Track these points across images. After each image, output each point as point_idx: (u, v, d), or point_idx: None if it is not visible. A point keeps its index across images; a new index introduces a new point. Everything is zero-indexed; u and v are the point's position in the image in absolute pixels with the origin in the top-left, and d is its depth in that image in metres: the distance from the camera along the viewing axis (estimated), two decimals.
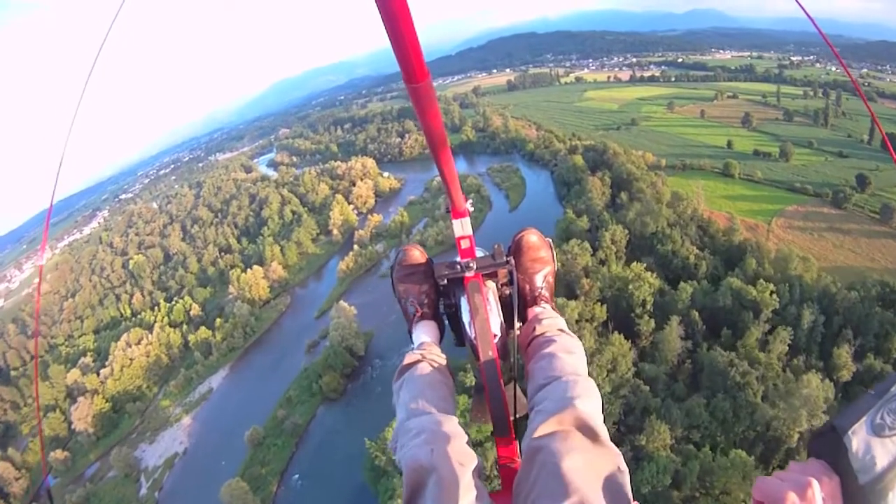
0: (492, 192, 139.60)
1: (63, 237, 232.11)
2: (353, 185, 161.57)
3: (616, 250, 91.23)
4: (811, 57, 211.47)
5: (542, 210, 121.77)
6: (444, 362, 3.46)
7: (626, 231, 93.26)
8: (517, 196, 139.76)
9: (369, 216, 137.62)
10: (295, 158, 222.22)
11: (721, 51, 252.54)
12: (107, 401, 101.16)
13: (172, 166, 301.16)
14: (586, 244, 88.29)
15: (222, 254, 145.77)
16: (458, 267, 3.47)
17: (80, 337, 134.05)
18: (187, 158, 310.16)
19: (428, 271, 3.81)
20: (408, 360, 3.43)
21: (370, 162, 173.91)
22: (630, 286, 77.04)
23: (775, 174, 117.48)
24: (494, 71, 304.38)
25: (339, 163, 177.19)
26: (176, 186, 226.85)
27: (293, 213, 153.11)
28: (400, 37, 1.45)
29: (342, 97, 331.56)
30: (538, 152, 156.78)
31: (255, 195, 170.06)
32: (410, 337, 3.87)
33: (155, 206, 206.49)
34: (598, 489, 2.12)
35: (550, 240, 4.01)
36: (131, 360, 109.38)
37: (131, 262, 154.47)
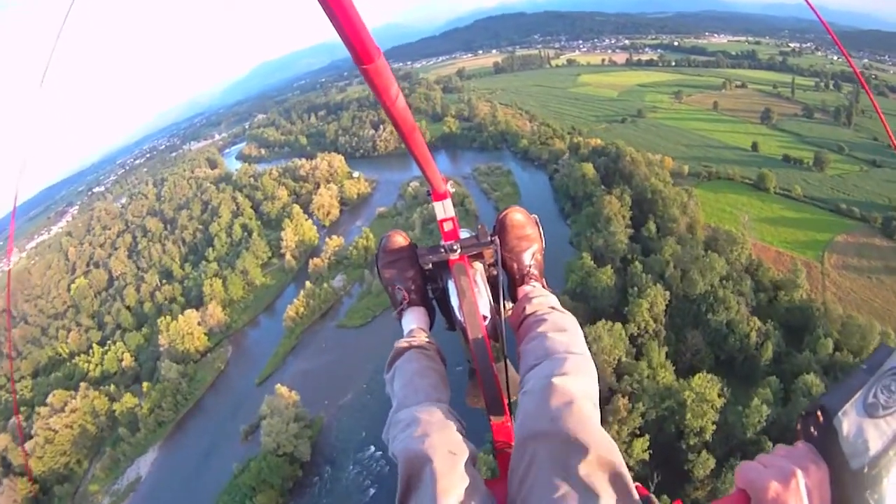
0: (479, 202, 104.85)
1: (34, 236, 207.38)
2: (318, 187, 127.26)
3: (655, 329, 59.19)
4: (809, 44, 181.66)
5: (543, 231, 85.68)
6: (434, 349, 3.13)
7: (667, 291, 61.40)
8: None
9: (328, 239, 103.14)
10: (263, 151, 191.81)
11: (716, 35, 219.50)
12: (34, 481, 79.61)
13: (148, 155, 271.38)
14: (619, 328, 55.09)
15: (163, 282, 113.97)
16: (442, 250, 3.05)
17: (19, 380, 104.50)
18: (164, 146, 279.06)
19: (412, 256, 3.34)
20: (397, 348, 3.09)
21: (338, 160, 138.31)
22: (687, 410, 44.31)
23: (813, 188, 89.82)
24: (480, 52, 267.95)
25: (303, 161, 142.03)
26: (142, 183, 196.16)
27: (244, 227, 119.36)
28: (339, 19, 1.21)
29: (323, 80, 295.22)
30: (533, 150, 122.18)
31: (208, 202, 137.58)
32: (400, 324, 3.39)
33: (118, 205, 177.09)
34: (593, 480, 1.90)
35: (537, 217, 3.50)
36: (55, 431, 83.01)
37: (73, 285, 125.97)
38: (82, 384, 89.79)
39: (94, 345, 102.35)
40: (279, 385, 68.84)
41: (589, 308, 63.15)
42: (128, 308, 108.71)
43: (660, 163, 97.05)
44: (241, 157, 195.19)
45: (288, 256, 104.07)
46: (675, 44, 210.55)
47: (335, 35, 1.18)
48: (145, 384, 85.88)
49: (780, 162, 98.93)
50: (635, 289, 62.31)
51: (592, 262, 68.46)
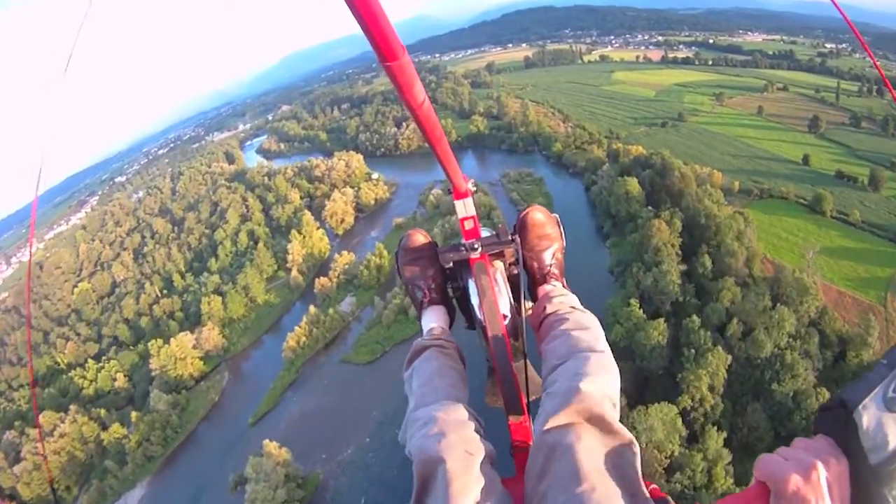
0: (508, 215, 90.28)
1: (53, 225, 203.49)
2: (334, 189, 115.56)
3: (713, 404, 47.82)
4: (845, 45, 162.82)
5: (577, 253, 71.31)
6: (453, 347, 3.01)
7: (729, 356, 48.98)
8: None
9: (337, 256, 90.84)
10: (282, 146, 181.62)
11: (750, 33, 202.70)
12: None
13: (172, 145, 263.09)
14: (674, 416, 43.48)
15: (164, 292, 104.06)
16: (463, 248, 2.92)
17: (17, 389, 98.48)
18: (188, 136, 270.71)
19: (433, 255, 3.23)
20: (416, 347, 2.98)
21: (356, 160, 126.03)
22: None
23: (870, 212, 76.16)
24: (510, 45, 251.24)
25: (319, 161, 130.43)
26: (159, 176, 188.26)
27: (250, 235, 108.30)
28: (363, 17, 1.18)
29: (350, 71, 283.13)
30: (568, 155, 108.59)
31: (218, 203, 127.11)
32: (420, 323, 3.31)
33: (134, 199, 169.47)
34: (609, 476, 1.90)
35: (557, 216, 3.33)
36: (44, 457, 77.90)
37: (76, 290, 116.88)
38: (72, 407, 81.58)
39: (89, 360, 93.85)
40: (267, 441, 57.53)
41: (634, 368, 51.62)
42: (126, 321, 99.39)
43: (709, 177, 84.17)
44: (261, 152, 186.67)
45: (294, 272, 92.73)
46: (710, 41, 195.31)
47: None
48: (134, 414, 76.49)
49: (832, 179, 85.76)
50: (692, 351, 50.30)
51: (641, 311, 56.07)
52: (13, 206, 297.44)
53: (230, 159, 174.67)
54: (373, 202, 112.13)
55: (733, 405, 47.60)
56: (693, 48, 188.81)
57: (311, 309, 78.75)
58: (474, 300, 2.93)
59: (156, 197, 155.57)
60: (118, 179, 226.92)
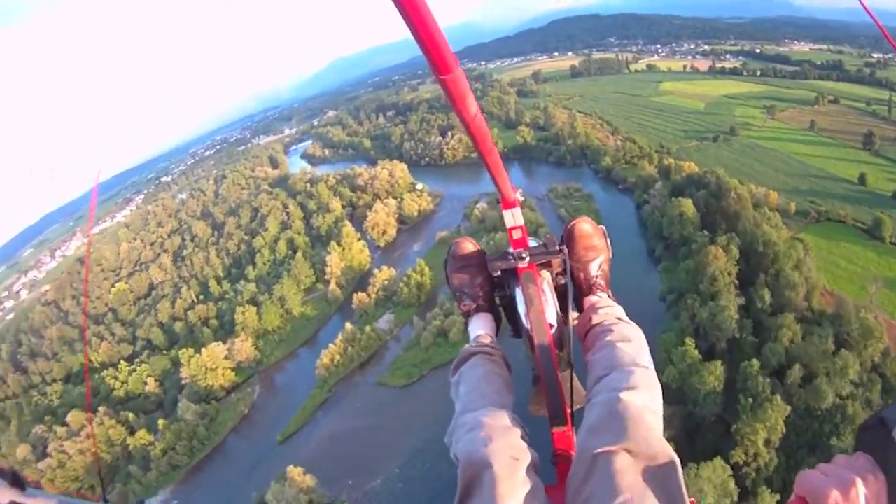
0: (556, 232, 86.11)
1: (99, 222, 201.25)
2: (376, 199, 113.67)
3: (767, 460, 44.99)
4: (892, 55, 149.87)
5: (627, 276, 67.71)
6: (500, 355, 3.09)
7: (788, 406, 46.13)
8: None
9: (376, 271, 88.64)
10: (327, 151, 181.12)
11: (797, 42, 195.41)
12: None
13: (218, 147, 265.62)
14: (727, 479, 40.53)
15: (200, 297, 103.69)
16: (511, 258, 2.99)
17: (50, 384, 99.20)
18: (234, 139, 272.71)
19: (481, 263, 3.32)
20: (464, 353, 3.09)
21: (400, 169, 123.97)
22: None
23: None
24: (556, 54, 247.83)
25: (363, 169, 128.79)
26: (203, 178, 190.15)
27: (290, 244, 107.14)
28: (419, 31, 1.23)
29: (398, 77, 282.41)
30: (618, 170, 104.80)
31: (258, 209, 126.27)
32: (466, 330, 3.44)
33: (177, 200, 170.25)
34: (651, 490, 1.94)
35: (604, 228, 3.42)
36: (69, 456, 75.61)
37: (113, 290, 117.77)
38: (101, 408, 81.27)
39: (122, 361, 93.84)
40: (291, 467, 55.25)
41: (685, 413, 48.16)
42: (161, 325, 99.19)
43: (765, 198, 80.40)
44: (305, 157, 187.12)
45: (332, 285, 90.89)
46: (757, 51, 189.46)
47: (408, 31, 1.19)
48: (161, 422, 76.26)
49: (889, 200, 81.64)
50: (749, 400, 46.50)
51: (696, 351, 52.28)
52: (62, 200, 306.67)
53: (274, 164, 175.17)
54: (416, 214, 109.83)
55: (787, 459, 44.22)
56: (740, 58, 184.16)
57: (348, 326, 76.71)
58: (521, 309, 2.96)
59: (198, 199, 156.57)
60: (164, 179, 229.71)
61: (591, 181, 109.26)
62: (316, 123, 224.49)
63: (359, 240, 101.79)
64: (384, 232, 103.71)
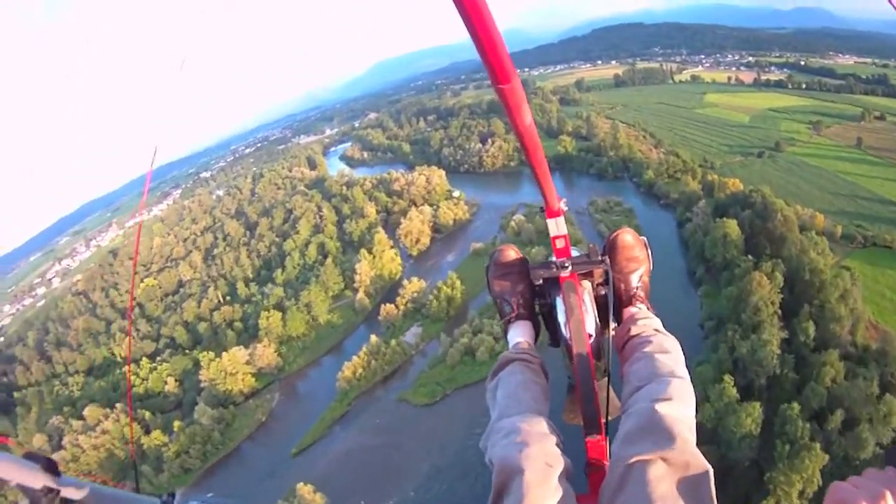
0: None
1: (135, 214, 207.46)
2: (412, 206, 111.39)
3: None
4: None
5: (666, 298, 62.46)
6: (538, 363, 3.11)
7: (826, 455, 43.00)
8: None
9: (405, 282, 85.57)
10: (366, 154, 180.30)
11: (840, 55, 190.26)
12: None
13: (258, 145, 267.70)
14: None
15: (226, 298, 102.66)
16: (554, 266, 3.05)
17: (73, 375, 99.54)
18: (275, 137, 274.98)
19: (523, 271, 3.37)
20: (503, 359, 3.09)
21: (437, 176, 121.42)
22: None
23: None
24: (599, 63, 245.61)
25: (399, 174, 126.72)
26: (241, 176, 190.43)
27: (320, 248, 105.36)
28: (482, 41, 1.28)
29: (440, 81, 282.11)
30: (660, 185, 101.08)
31: (292, 211, 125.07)
32: (506, 337, 3.41)
33: (214, 197, 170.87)
34: (684, 502, 1.98)
35: (646, 239, 3.48)
36: (83, 450, 75.30)
37: (142, 285, 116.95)
38: (118, 405, 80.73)
39: (144, 357, 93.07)
40: (301, 485, 53.05)
41: (718, 455, 44.77)
42: (185, 324, 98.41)
43: (811, 220, 76.64)
44: (344, 158, 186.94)
45: (360, 294, 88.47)
46: (802, 63, 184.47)
47: (456, 37, 1.24)
48: (177, 423, 74.93)
49: None
50: (786, 447, 43.23)
51: (734, 389, 48.73)
52: (100, 191, 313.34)
53: (312, 165, 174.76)
54: (451, 223, 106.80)
55: None
56: (785, 70, 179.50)
57: (373, 338, 74.30)
58: (561, 318, 3.01)
59: (234, 197, 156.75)
60: (203, 175, 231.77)
61: (632, 195, 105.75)
62: (357, 125, 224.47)
63: (391, 247, 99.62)
64: (417, 240, 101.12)
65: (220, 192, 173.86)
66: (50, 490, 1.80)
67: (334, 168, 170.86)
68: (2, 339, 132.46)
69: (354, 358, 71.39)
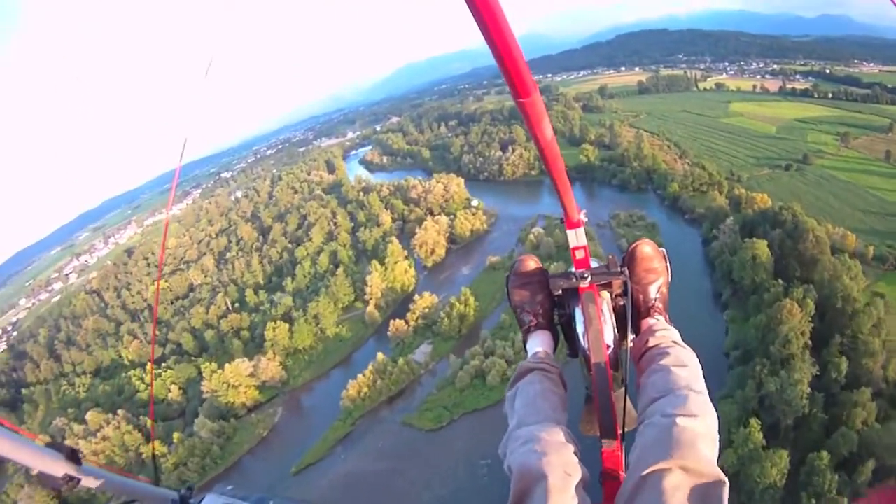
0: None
1: (154, 213, 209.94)
2: (429, 214, 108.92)
3: None
4: None
5: (689, 320, 56.30)
6: (557, 373, 3.12)
7: None
8: None
9: (417, 297, 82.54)
10: (385, 159, 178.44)
11: (865, 63, 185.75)
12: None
13: (280, 147, 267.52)
14: None
15: (235, 305, 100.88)
16: (573, 277, 3.10)
17: (80, 375, 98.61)
18: (297, 139, 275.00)
19: (543, 281, 3.38)
20: (522, 369, 3.10)
21: (456, 184, 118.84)
22: None
23: None
24: (623, 69, 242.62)
25: (417, 181, 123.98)
26: (260, 178, 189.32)
27: (332, 257, 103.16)
28: (502, 56, 1.32)
29: (464, 86, 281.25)
30: (685, 198, 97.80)
31: (306, 216, 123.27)
32: (525, 346, 3.42)
33: (232, 199, 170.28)
34: None
35: (664, 251, 3.48)
36: (83, 455, 66.09)
37: (151, 288, 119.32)
38: (120, 412, 78.97)
39: (149, 363, 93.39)
40: None
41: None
42: (193, 330, 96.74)
43: (842, 239, 73.37)
44: (364, 163, 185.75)
45: (370, 308, 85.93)
46: (827, 71, 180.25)
47: (481, 42, 1.22)
48: (176, 435, 72.77)
49: None
50: (812, 501, 40.76)
51: (761, 436, 45.43)
52: (123, 188, 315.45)
53: (330, 168, 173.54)
54: (468, 233, 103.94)
55: None
56: (810, 78, 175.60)
57: (380, 356, 71.54)
58: (579, 328, 3.01)
59: (251, 200, 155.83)
60: (224, 175, 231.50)
61: (655, 208, 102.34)
62: (378, 129, 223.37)
63: (405, 258, 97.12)
64: (432, 251, 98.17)
65: (239, 194, 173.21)
66: (71, 478, 1.93)
67: (353, 172, 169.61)
68: (15, 333, 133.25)
69: (360, 376, 68.69)
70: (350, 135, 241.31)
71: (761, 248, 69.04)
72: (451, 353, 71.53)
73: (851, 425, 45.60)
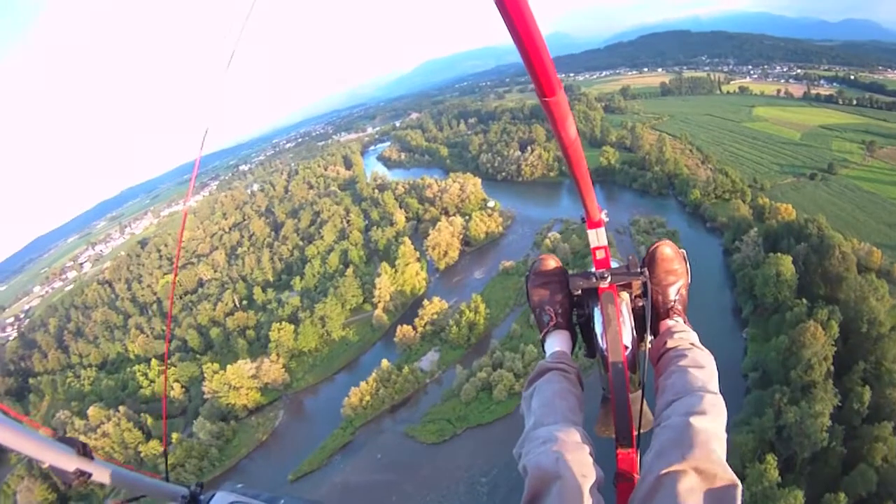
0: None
1: (171, 203, 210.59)
2: (445, 214, 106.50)
3: None
4: None
5: (707, 334, 47.02)
6: (575, 372, 3.11)
7: None
8: None
9: (426, 302, 78.98)
10: (403, 156, 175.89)
11: (890, 69, 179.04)
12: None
13: (299, 140, 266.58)
14: None
15: (243, 302, 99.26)
16: (593, 277, 3.09)
17: (86, 368, 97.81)
18: (316, 133, 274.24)
19: (563, 280, 3.38)
20: (540, 368, 3.10)
21: (473, 184, 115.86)
22: None
23: None
24: (645, 70, 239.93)
25: (433, 180, 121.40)
26: (277, 172, 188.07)
27: (342, 256, 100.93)
28: (529, 54, 1.35)
29: (485, 83, 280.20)
30: (707, 206, 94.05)
31: (319, 213, 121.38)
32: (543, 346, 3.42)
33: (249, 192, 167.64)
34: None
35: (685, 252, 3.48)
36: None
37: (161, 281, 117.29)
38: (122, 408, 77.62)
39: (154, 359, 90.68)
40: None
41: None
42: (199, 327, 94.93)
43: (867, 256, 68.86)
44: (381, 159, 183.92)
45: (378, 311, 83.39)
46: (852, 77, 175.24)
47: (503, 39, 1.24)
48: (175, 435, 71.36)
49: None
50: None
51: (777, 473, 42.28)
52: (142, 177, 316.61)
53: (347, 164, 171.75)
54: (483, 236, 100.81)
55: None
56: (834, 84, 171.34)
57: (384, 363, 68.97)
58: (598, 328, 3.00)
59: (267, 193, 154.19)
60: (242, 167, 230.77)
61: (676, 215, 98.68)
62: (398, 125, 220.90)
63: (418, 259, 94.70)
64: (445, 253, 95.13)
65: (255, 187, 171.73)
66: (82, 473, 1.94)
67: (371, 168, 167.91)
68: (27, 321, 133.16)
69: (362, 384, 66.11)
70: (369, 130, 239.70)
71: (786, 264, 65.29)
72: (459, 363, 68.86)
73: (871, 461, 42.45)
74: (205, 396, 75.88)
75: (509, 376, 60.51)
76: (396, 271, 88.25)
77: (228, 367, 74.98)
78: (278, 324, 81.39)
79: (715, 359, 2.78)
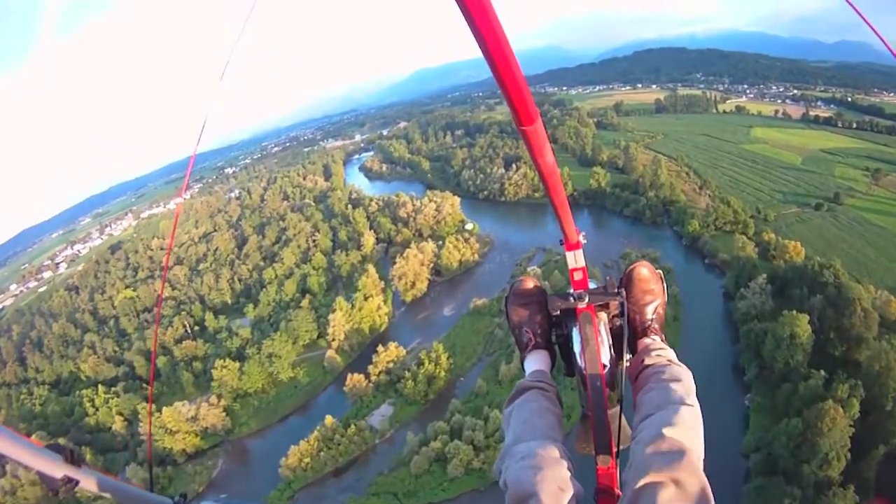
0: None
1: (152, 206, 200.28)
2: (418, 236, 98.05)
3: None
4: None
5: (701, 397, 42.78)
6: (554, 391, 3.15)
7: None
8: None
9: (380, 348, 68.95)
10: (384, 167, 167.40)
11: (885, 92, 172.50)
12: None
13: (287, 145, 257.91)
14: None
15: (195, 328, 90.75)
16: (571, 298, 3.09)
17: (39, 386, 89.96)
18: (304, 138, 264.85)
19: (542, 301, 3.37)
20: (519, 387, 3.13)
21: (450, 204, 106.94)
22: None
23: None
24: (639, 86, 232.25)
25: (408, 198, 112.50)
26: (257, 178, 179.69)
27: (301, 283, 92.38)
28: (506, 84, 1.33)
29: (477, 94, 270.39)
30: (706, 240, 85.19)
31: (285, 230, 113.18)
32: (522, 365, 3.43)
33: (227, 198, 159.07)
34: None
35: (661, 272, 3.51)
36: (22, 484, 63.74)
37: (120, 295, 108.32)
38: (61, 440, 68.21)
39: (100, 385, 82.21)
40: None
41: None
42: (146, 353, 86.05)
43: (884, 305, 59.93)
44: (364, 170, 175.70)
45: (330, 352, 74.55)
46: (849, 99, 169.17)
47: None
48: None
49: None
50: None
51: None
52: (131, 174, 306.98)
53: (327, 174, 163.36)
54: (456, 264, 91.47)
55: None
56: (831, 106, 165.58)
57: (328, 420, 59.91)
58: (577, 348, 3.00)
59: (242, 201, 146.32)
60: (228, 170, 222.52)
61: (672, 247, 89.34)
62: (385, 133, 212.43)
63: (383, 289, 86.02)
64: (413, 285, 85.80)
65: (234, 193, 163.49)
66: (69, 480, 1.91)
67: (352, 179, 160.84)
68: None
69: (302, 443, 57.14)
70: (357, 137, 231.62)
71: (802, 324, 55.45)
72: (414, 421, 60.35)
73: None
74: (141, 438, 67.82)
75: (467, 449, 51.54)
76: (354, 307, 79.11)
77: (164, 409, 66.20)
78: (222, 360, 72.77)
79: (694, 376, 2.81)
